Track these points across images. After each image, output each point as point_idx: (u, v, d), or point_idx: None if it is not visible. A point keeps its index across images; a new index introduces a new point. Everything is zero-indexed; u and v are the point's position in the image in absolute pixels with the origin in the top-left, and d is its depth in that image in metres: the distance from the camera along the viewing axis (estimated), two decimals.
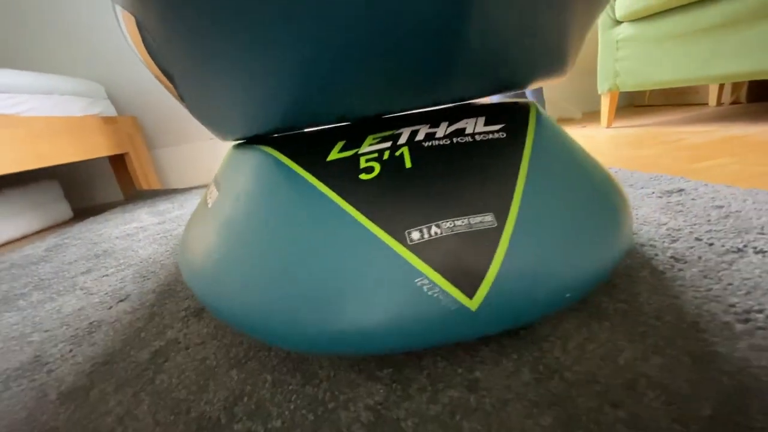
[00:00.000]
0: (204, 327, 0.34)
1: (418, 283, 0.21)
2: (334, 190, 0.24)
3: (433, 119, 0.28)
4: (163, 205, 1.10)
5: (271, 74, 0.21)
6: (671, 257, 0.31)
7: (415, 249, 0.21)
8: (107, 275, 0.55)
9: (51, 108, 1.02)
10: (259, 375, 0.26)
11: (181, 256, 0.33)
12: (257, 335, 0.24)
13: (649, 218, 0.39)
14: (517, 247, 0.21)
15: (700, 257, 0.30)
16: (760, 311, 0.23)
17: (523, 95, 1.56)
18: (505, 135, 0.26)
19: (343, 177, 0.25)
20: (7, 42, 1.41)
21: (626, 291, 0.27)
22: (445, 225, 0.22)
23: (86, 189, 1.59)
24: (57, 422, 0.25)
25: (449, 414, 0.20)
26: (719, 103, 1.31)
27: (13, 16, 1.38)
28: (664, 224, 0.37)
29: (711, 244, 0.32)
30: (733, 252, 0.30)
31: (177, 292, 0.43)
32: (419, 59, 0.21)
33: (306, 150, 0.27)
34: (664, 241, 0.34)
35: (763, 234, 0.32)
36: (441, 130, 0.27)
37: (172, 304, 0.40)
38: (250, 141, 0.33)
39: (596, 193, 0.27)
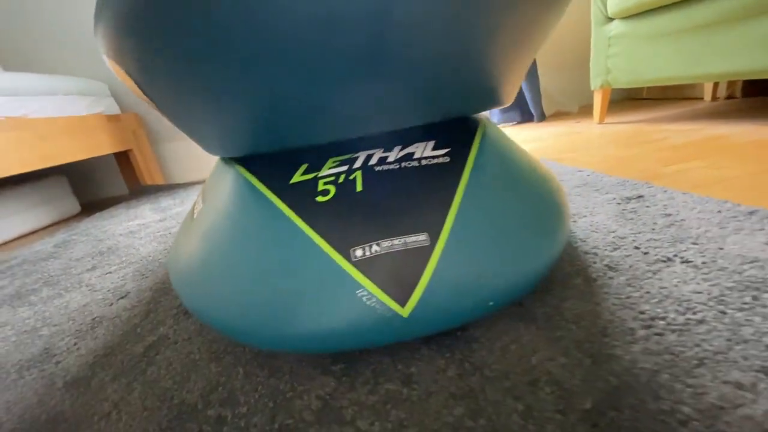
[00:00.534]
0: (192, 324, 0.38)
1: (359, 294, 0.24)
2: (294, 211, 0.28)
3: (389, 142, 0.32)
4: (166, 201, 1.14)
5: (232, 113, 0.25)
6: (606, 265, 0.34)
7: (358, 264, 0.25)
8: (110, 272, 0.59)
9: (56, 108, 1.06)
10: (234, 368, 0.30)
11: (170, 262, 0.37)
12: (231, 335, 0.28)
13: (601, 226, 0.42)
14: (445, 262, 0.25)
15: (631, 266, 0.33)
16: (663, 318, 0.26)
17: (520, 90, 1.56)
18: (448, 159, 0.29)
19: (302, 199, 0.28)
20: (10, 44, 1.45)
21: (557, 297, 0.31)
22: (385, 244, 0.25)
23: (93, 184, 1.64)
24: (63, 407, 0.30)
25: (383, 403, 0.24)
26: (714, 98, 1.31)
27: (15, 17, 1.42)
28: (613, 232, 0.40)
29: (646, 253, 0.35)
30: (662, 261, 0.33)
31: (171, 291, 0.47)
32: (358, 102, 0.24)
33: (274, 171, 0.31)
34: (606, 249, 0.37)
35: (695, 244, 0.35)
36: (393, 155, 0.30)
37: (166, 301, 0.45)
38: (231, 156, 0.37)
39: (530, 208, 0.30)
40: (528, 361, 0.25)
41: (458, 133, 0.32)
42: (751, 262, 0.31)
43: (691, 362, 0.22)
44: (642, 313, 0.27)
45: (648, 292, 0.29)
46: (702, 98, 1.38)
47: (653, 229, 0.39)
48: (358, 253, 0.25)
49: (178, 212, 0.95)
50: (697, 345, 0.23)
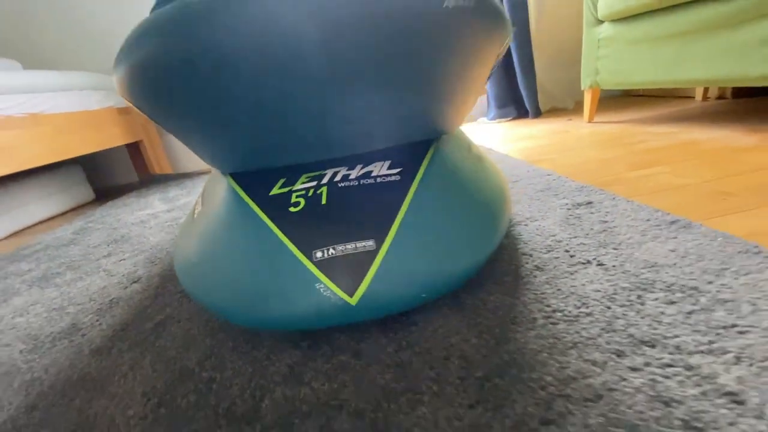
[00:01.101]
0: (193, 306, 0.46)
1: (317, 287, 0.31)
2: (271, 219, 0.34)
3: (354, 161, 0.38)
4: (173, 192, 1.22)
5: (221, 143, 0.32)
6: (536, 266, 0.41)
7: (318, 264, 0.32)
8: (124, 259, 0.67)
9: (71, 103, 1.13)
10: (225, 342, 0.38)
11: (174, 253, 0.44)
12: (222, 316, 0.36)
13: (545, 230, 0.49)
14: (386, 263, 0.32)
15: (555, 267, 0.40)
16: (562, 311, 0.33)
17: (516, 86, 1.60)
18: (399, 177, 0.36)
19: (278, 209, 0.35)
20: (27, 43, 1.51)
21: (487, 291, 0.38)
22: (339, 247, 0.32)
23: (106, 172, 1.73)
24: (90, 369, 0.38)
25: (334, 370, 0.31)
26: (705, 98, 1.34)
27: (27, 14, 1.48)
28: (553, 236, 0.47)
29: (573, 256, 0.41)
30: (582, 264, 0.40)
31: (175, 278, 0.55)
32: (323, 134, 0.31)
33: (257, 184, 0.38)
34: (541, 252, 0.43)
35: (615, 249, 0.41)
36: (355, 172, 0.37)
37: (172, 286, 0.53)
38: None
39: (467, 217, 0.36)
40: (448, 340, 0.32)
41: (410, 155, 0.38)
42: (651, 266, 0.37)
43: (567, 345, 0.29)
44: (548, 306, 0.34)
45: (559, 290, 0.36)
46: (693, 97, 1.40)
47: (587, 235, 0.46)
48: (318, 254, 0.32)
49: (185, 203, 1.03)
50: (577, 332, 0.30)
